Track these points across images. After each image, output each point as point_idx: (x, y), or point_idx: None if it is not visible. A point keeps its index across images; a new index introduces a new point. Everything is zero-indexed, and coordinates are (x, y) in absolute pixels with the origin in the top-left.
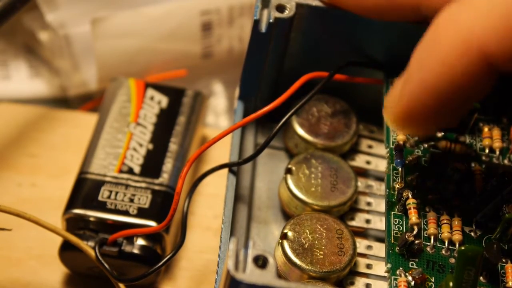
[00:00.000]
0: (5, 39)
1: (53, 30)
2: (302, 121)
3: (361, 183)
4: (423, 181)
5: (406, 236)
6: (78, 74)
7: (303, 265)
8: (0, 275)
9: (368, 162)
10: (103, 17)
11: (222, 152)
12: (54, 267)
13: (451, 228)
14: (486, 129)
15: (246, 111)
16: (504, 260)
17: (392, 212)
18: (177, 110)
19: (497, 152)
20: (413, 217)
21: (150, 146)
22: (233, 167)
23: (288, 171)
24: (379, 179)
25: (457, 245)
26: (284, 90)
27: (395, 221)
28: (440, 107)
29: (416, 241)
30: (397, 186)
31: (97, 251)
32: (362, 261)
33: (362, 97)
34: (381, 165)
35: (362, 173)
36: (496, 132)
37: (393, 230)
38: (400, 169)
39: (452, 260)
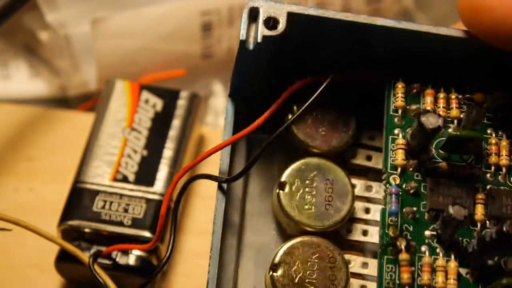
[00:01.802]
0: (5, 39)
1: (53, 30)
2: (298, 122)
3: (359, 184)
4: (420, 214)
5: None
6: (78, 74)
7: None
8: (0, 284)
9: (369, 158)
10: (103, 17)
11: (218, 153)
12: (53, 276)
13: (446, 276)
14: (493, 142)
15: (236, 110)
16: None
17: (385, 257)
18: (172, 114)
19: (504, 170)
20: (405, 276)
21: (145, 153)
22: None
23: (281, 186)
24: (378, 179)
25: None
26: (278, 88)
27: (388, 267)
28: None
29: None
30: (391, 234)
31: (91, 264)
32: (356, 283)
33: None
34: (381, 163)
35: (362, 172)
36: (504, 148)
37: (385, 279)
38: (394, 218)
39: None
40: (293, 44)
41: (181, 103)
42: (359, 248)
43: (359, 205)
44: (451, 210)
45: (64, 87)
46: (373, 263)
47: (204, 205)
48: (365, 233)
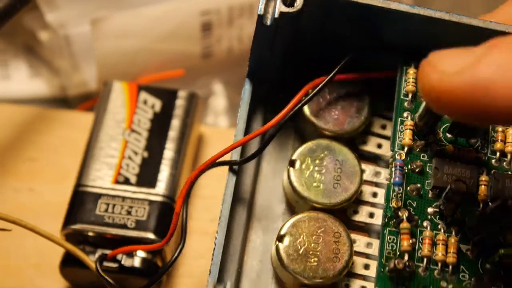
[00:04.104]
0: (5, 39)
1: (53, 30)
2: (312, 105)
3: (369, 169)
4: (424, 192)
5: (396, 263)
6: (78, 74)
7: (295, 272)
8: None
9: (379, 146)
10: (103, 17)
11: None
12: (52, 276)
13: (446, 249)
14: (499, 130)
15: (254, 91)
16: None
17: (388, 228)
18: (171, 114)
19: (509, 157)
20: (405, 243)
21: (145, 154)
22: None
23: (292, 163)
24: (387, 166)
25: (450, 268)
26: (294, 78)
27: (390, 238)
28: (484, 112)
29: (407, 266)
30: (394, 206)
31: (98, 268)
32: (359, 261)
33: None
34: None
35: (372, 158)
36: (511, 135)
37: (386, 249)
38: (397, 189)
39: (444, 284)
40: (309, 27)
41: (180, 102)
42: (364, 229)
43: (367, 189)
44: (453, 184)
45: (64, 87)
46: (377, 244)
47: (205, 205)
48: (371, 215)
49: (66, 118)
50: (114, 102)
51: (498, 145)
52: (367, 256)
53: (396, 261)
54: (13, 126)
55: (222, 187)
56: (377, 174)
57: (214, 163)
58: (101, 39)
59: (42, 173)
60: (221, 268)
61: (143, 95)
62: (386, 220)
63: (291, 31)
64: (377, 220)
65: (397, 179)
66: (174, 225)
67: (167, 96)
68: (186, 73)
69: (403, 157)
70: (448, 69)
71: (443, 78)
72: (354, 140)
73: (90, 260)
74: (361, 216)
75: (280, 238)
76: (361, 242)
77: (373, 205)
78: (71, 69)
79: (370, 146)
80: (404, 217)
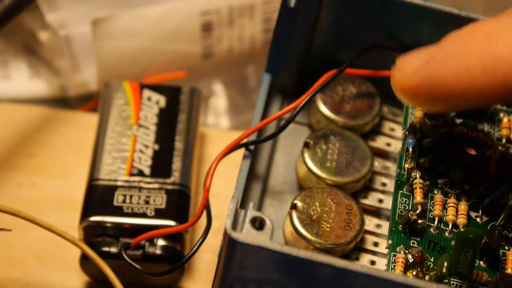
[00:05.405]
0: (5, 39)
1: (53, 30)
2: (325, 98)
3: (378, 163)
4: (435, 164)
5: (409, 215)
6: (78, 74)
7: (308, 235)
8: (0, 275)
9: (388, 144)
10: (104, 17)
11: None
12: (54, 267)
13: (456, 212)
14: (505, 120)
15: (272, 85)
16: (506, 248)
17: (400, 191)
18: (177, 108)
19: None
20: (418, 197)
21: (156, 147)
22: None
23: (306, 145)
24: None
25: (460, 228)
26: (312, 68)
27: (402, 200)
28: (443, 100)
29: (420, 221)
30: (407, 166)
31: (124, 255)
32: (369, 239)
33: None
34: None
35: (381, 154)
36: None
37: (399, 208)
38: (411, 149)
39: (454, 243)
40: (328, 21)
41: (184, 98)
42: (374, 213)
43: (377, 178)
44: (463, 149)
45: (64, 87)
46: (386, 225)
47: None
48: (381, 201)
49: (67, 118)
50: (117, 101)
51: (505, 132)
52: (376, 235)
53: (409, 213)
54: (15, 124)
55: (223, 185)
56: (386, 168)
57: (236, 145)
58: (101, 39)
59: (43, 168)
60: None
61: (147, 93)
62: (399, 184)
63: (313, 18)
64: (387, 205)
65: (410, 140)
66: (205, 201)
67: (171, 93)
68: (187, 73)
69: (418, 125)
70: (408, 70)
71: (405, 78)
72: (364, 137)
73: (91, 251)
74: (371, 201)
75: (293, 206)
76: (371, 222)
77: (383, 192)
78: (71, 69)
79: (380, 143)
80: (418, 176)
